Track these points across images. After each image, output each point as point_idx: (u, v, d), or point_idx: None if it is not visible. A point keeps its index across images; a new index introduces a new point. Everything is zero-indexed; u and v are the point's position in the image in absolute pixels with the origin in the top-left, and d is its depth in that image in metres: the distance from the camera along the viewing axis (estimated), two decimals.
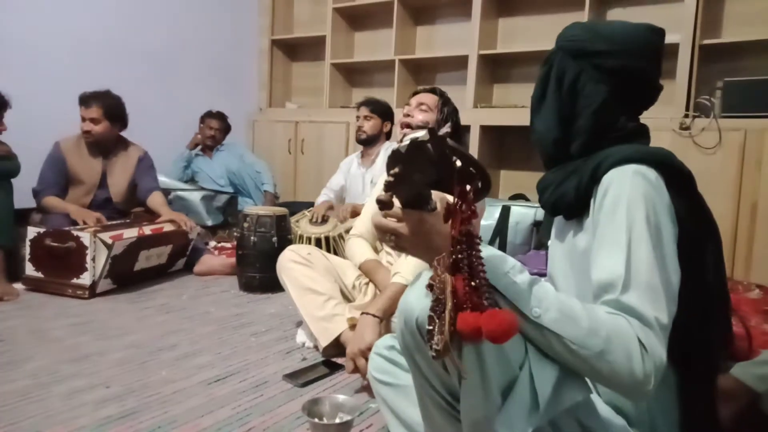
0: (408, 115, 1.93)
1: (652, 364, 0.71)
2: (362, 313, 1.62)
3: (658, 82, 0.94)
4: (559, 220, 1.01)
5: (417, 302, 0.76)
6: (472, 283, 0.65)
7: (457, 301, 0.65)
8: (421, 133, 0.71)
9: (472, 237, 0.67)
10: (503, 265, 0.74)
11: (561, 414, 0.77)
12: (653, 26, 0.95)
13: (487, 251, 0.73)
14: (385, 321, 1.60)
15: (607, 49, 0.90)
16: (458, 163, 0.69)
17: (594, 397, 0.85)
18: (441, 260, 0.69)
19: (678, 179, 0.85)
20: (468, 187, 0.68)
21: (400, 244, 0.80)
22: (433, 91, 2.01)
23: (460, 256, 0.66)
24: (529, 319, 0.73)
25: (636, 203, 0.79)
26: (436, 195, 0.79)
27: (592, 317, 0.73)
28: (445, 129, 1.87)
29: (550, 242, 1.06)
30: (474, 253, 0.66)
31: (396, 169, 0.73)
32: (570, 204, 0.91)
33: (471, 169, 0.69)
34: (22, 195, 2.71)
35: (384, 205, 0.77)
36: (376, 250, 1.94)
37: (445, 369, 0.77)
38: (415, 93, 2.05)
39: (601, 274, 0.78)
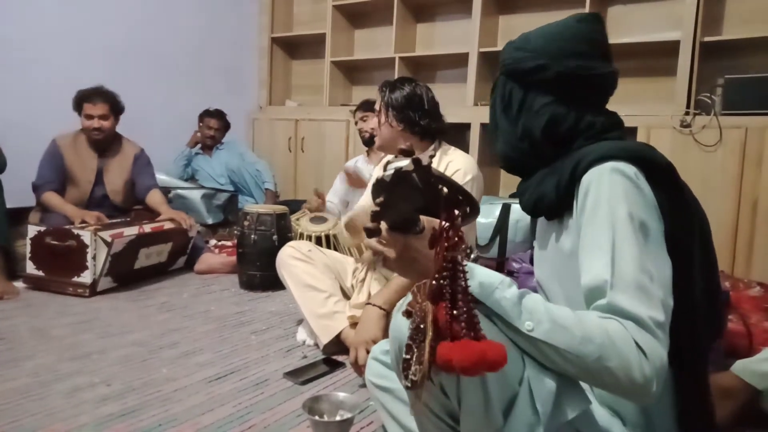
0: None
1: (651, 367, 0.69)
2: (367, 304, 1.62)
3: (606, 68, 0.92)
4: (540, 221, 1.00)
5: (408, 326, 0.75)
6: (454, 312, 0.63)
7: (438, 331, 0.63)
8: (405, 162, 0.70)
9: (456, 264, 0.65)
10: (492, 282, 0.73)
11: (562, 426, 0.76)
12: (580, 15, 0.95)
13: (475, 270, 0.73)
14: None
15: (540, 63, 0.91)
16: (445, 190, 0.69)
17: (591, 398, 0.84)
18: (421, 287, 0.68)
19: (658, 172, 0.83)
20: (456, 213, 0.67)
21: (388, 265, 0.81)
22: (380, 88, 1.88)
23: (443, 282, 0.64)
24: (522, 334, 0.72)
25: (617, 202, 0.77)
26: (425, 220, 0.79)
27: (585, 324, 0.71)
28: (430, 152, 1.82)
29: (534, 244, 1.05)
30: (458, 281, 0.64)
31: (381, 198, 0.73)
32: (551, 204, 0.89)
33: (458, 196, 0.68)
34: (22, 194, 2.72)
35: (371, 233, 0.77)
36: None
37: (444, 393, 0.76)
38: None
39: (590, 279, 0.76)
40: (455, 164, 1.74)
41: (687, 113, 2.65)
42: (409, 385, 0.63)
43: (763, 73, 2.57)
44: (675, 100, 2.72)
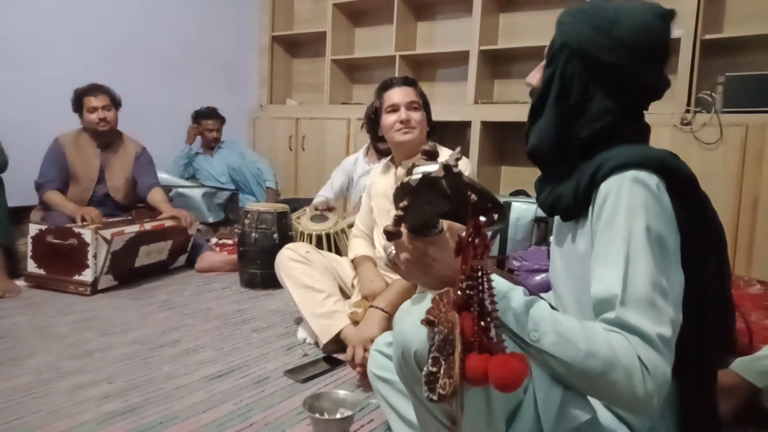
0: (406, 121, 1.75)
1: (654, 383, 0.69)
2: (370, 306, 1.64)
3: (667, 81, 0.88)
4: (557, 220, 0.98)
5: (415, 334, 0.73)
6: (482, 323, 0.61)
7: (465, 343, 0.61)
8: (434, 168, 0.68)
9: (484, 274, 0.63)
10: (500, 289, 0.72)
11: None
12: (660, 10, 0.85)
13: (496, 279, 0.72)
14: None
15: (620, 63, 0.83)
16: (473, 197, 0.66)
17: (596, 403, 0.84)
18: (445, 295, 0.66)
19: (680, 184, 0.80)
20: (483, 220, 0.65)
21: (394, 266, 0.80)
22: (408, 82, 1.82)
23: (469, 292, 0.62)
24: (527, 343, 0.71)
25: (635, 213, 0.75)
26: (449, 226, 0.76)
27: (590, 337, 0.71)
28: (455, 155, 1.83)
29: (551, 241, 1.04)
30: (486, 291, 0.62)
31: (405, 202, 0.71)
32: (567, 207, 0.87)
33: (488, 203, 0.66)
34: (24, 193, 2.72)
35: (392, 236, 0.75)
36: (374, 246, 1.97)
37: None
38: (389, 86, 1.81)
39: (600, 291, 0.75)
40: None
41: (687, 111, 2.64)
42: (436, 398, 0.61)
43: (764, 70, 2.57)
44: (675, 98, 2.72)
